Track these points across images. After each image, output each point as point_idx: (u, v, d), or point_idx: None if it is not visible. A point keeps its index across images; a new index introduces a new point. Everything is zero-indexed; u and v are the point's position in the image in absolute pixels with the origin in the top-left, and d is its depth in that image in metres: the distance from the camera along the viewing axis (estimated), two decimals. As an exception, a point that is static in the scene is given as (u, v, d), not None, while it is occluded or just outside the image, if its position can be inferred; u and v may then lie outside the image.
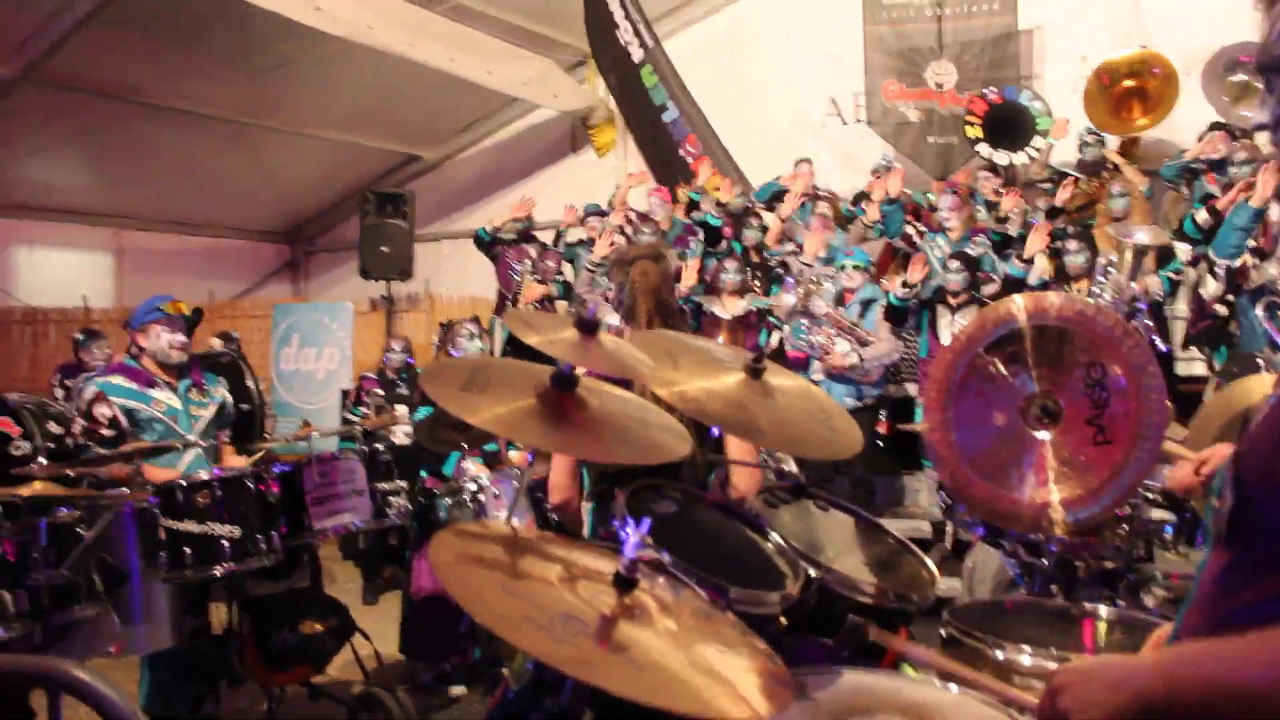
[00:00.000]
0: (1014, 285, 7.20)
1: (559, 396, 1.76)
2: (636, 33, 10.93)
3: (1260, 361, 5.81)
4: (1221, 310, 6.76)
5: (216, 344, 8.01)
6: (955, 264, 7.32)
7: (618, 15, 10.80)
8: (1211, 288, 6.97)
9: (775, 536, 2.16)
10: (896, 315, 7.41)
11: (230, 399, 5.52)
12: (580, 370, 1.79)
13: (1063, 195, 7.99)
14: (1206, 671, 1.17)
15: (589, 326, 1.83)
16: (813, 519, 2.49)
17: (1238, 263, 6.27)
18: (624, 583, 1.35)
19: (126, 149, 11.15)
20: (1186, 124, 8.66)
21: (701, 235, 8.98)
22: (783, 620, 1.97)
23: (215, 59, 10.09)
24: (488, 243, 9.61)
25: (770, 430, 2.08)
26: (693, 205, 9.24)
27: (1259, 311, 6.12)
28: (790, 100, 11.09)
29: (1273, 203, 7.14)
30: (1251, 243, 6.50)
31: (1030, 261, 7.30)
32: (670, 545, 1.75)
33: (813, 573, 2.09)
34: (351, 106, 11.66)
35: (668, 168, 11.06)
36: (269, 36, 9.43)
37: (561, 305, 9.18)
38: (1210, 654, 1.21)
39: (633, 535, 1.36)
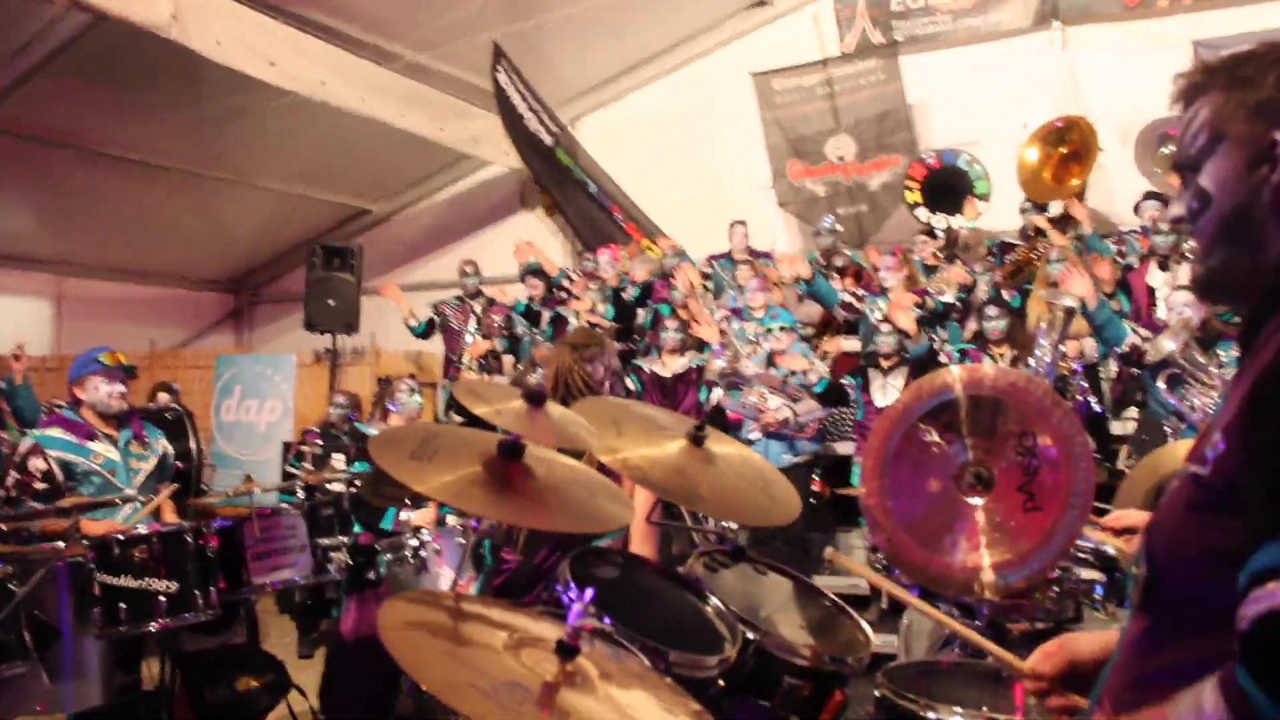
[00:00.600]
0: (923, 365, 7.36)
1: (506, 465, 1.80)
2: (542, 122, 11.23)
3: (1168, 429, 5.99)
4: (1135, 371, 6.97)
5: (164, 398, 7.95)
6: (887, 326, 7.46)
7: (521, 108, 11.03)
8: (1110, 368, 7.33)
9: (714, 600, 2.21)
10: (832, 395, 7.54)
11: (171, 451, 5.49)
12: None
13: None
14: None
15: (536, 398, 1.88)
16: (751, 582, 2.54)
17: (1125, 347, 6.50)
18: (566, 650, 1.40)
19: (72, 196, 11.06)
20: (1123, 194, 8.95)
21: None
22: (721, 682, 2.02)
23: (165, 109, 10.07)
24: (423, 331, 9.77)
25: (711, 497, 2.14)
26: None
27: (1160, 384, 6.31)
28: (727, 171, 11.29)
29: (1161, 281, 7.47)
30: (1132, 326, 6.73)
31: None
32: (612, 609, 1.79)
33: (750, 636, 2.14)
34: (302, 159, 11.66)
35: (600, 232, 11.32)
36: (221, 89, 9.42)
37: (508, 360, 9.25)
38: None
39: (576, 604, 1.40)
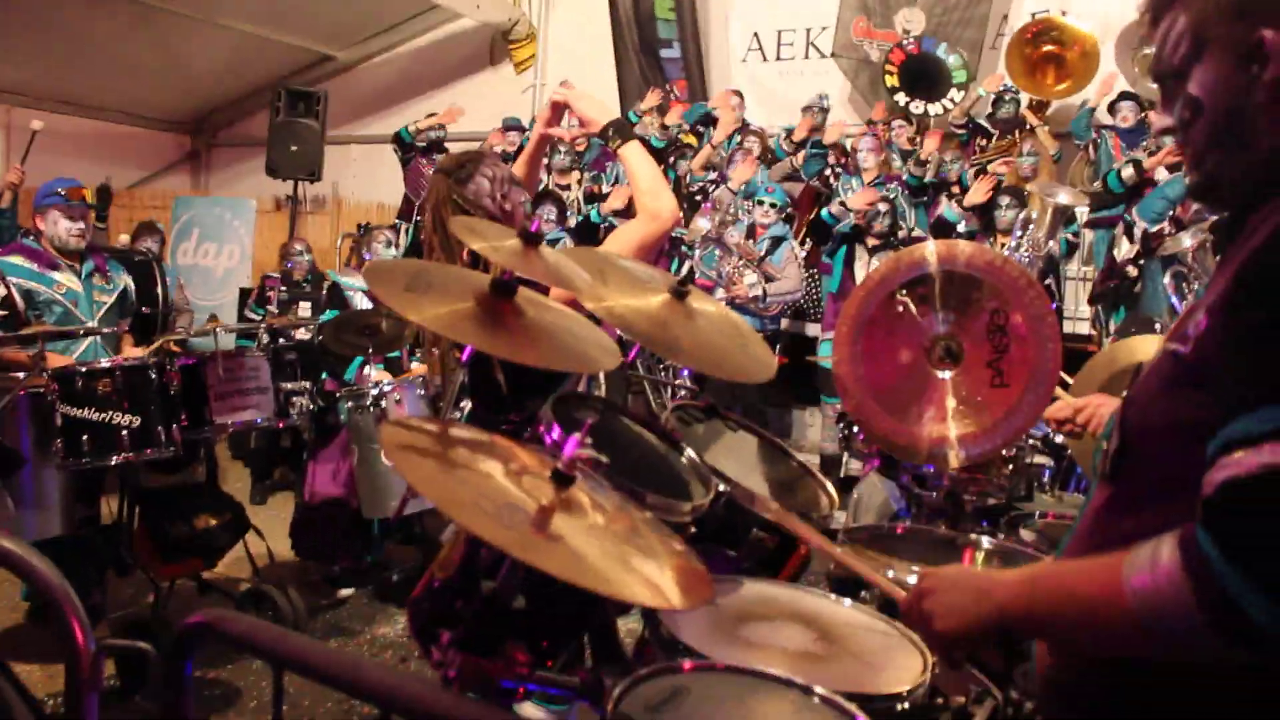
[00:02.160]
0: (944, 228, 7.41)
1: (497, 303, 1.82)
2: None
3: (1158, 325, 6.10)
4: (1132, 272, 7.04)
5: (124, 239, 7.79)
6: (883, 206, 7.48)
7: None
8: (1125, 249, 7.27)
9: (689, 452, 2.26)
10: (821, 231, 7.55)
11: (132, 286, 5.44)
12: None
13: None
14: (1060, 582, 1.30)
15: (532, 238, 1.89)
16: (722, 438, 2.60)
17: (1156, 228, 6.54)
18: (561, 478, 1.44)
19: (21, 22, 10.65)
20: (1094, 88, 8.93)
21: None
22: (692, 529, 2.08)
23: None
24: (407, 144, 9.54)
25: (691, 350, 2.16)
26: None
27: (1166, 279, 6.40)
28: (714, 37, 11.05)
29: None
30: (1172, 212, 6.78)
31: (969, 209, 7.51)
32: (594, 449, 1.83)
33: (721, 487, 2.20)
34: (267, -2, 11.31)
35: (639, 94, 10.93)
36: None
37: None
38: (1068, 569, 1.36)
39: (575, 435, 1.44)
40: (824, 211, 7.58)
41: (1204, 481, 1.12)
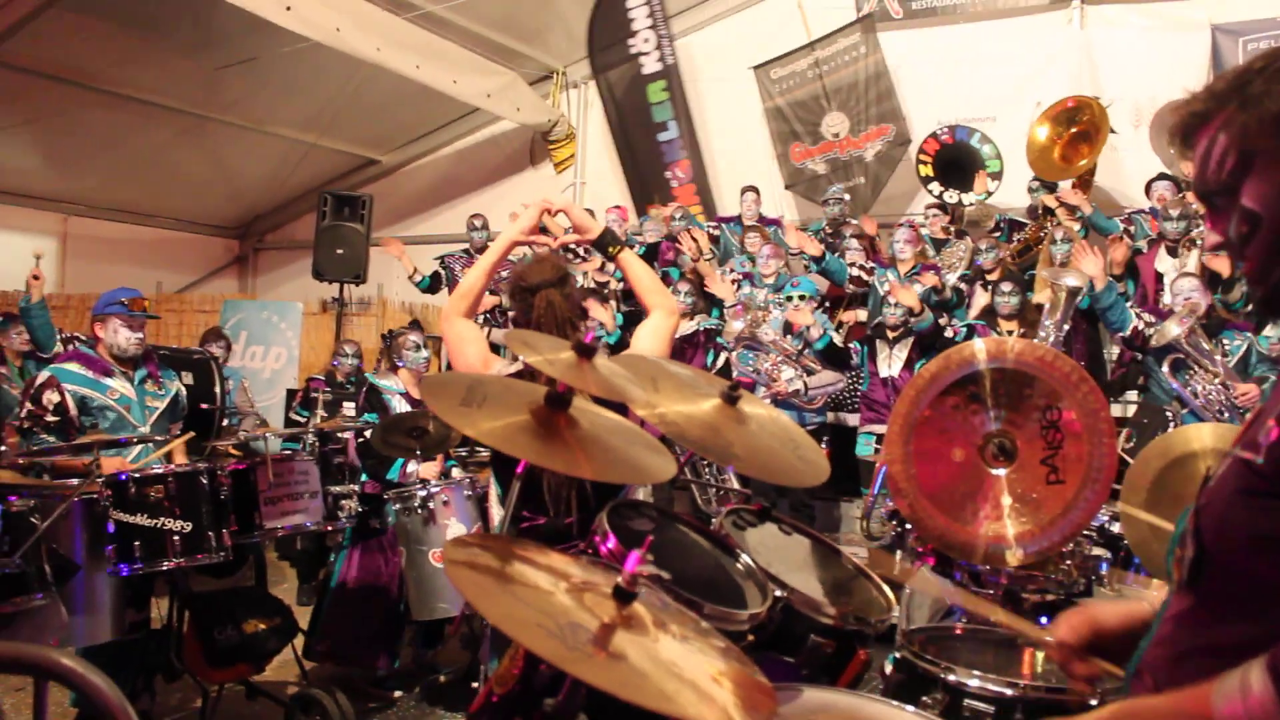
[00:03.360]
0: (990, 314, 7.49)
1: (552, 414, 1.83)
2: (659, 45, 11.13)
3: (1169, 413, 6.05)
4: (1138, 355, 7.01)
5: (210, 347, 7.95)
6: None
7: (639, 23, 10.95)
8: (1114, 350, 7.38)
9: (745, 558, 2.25)
10: (834, 355, 7.55)
11: (184, 391, 5.52)
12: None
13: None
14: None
15: (586, 350, 1.91)
16: (776, 541, 2.58)
17: (1128, 332, 6.56)
18: (624, 595, 1.43)
19: (80, 135, 11.00)
20: (1134, 175, 8.94)
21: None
22: (750, 637, 2.06)
23: (177, 50, 10.02)
24: (430, 283, 9.76)
25: (745, 456, 2.16)
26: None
27: (1164, 369, 6.38)
28: (747, 131, 11.24)
29: (1169, 266, 7.49)
30: (1137, 311, 6.77)
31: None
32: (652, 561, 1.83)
33: (779, 593, 2.18)
34: (313, 107, 11.62)
35: (644, 186, 11.29)
36: (235, 32, 9.38)
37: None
38: (1156, 704, 1.32)
39: (635, 551, 1.44)
40: (827, 336, 7.58)
41: None
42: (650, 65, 11.20)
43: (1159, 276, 7.72)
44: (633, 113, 11.40)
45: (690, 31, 11.60)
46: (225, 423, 7.14)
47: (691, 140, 11.30)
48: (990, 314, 7.50)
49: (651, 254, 9.26)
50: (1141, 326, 6.55)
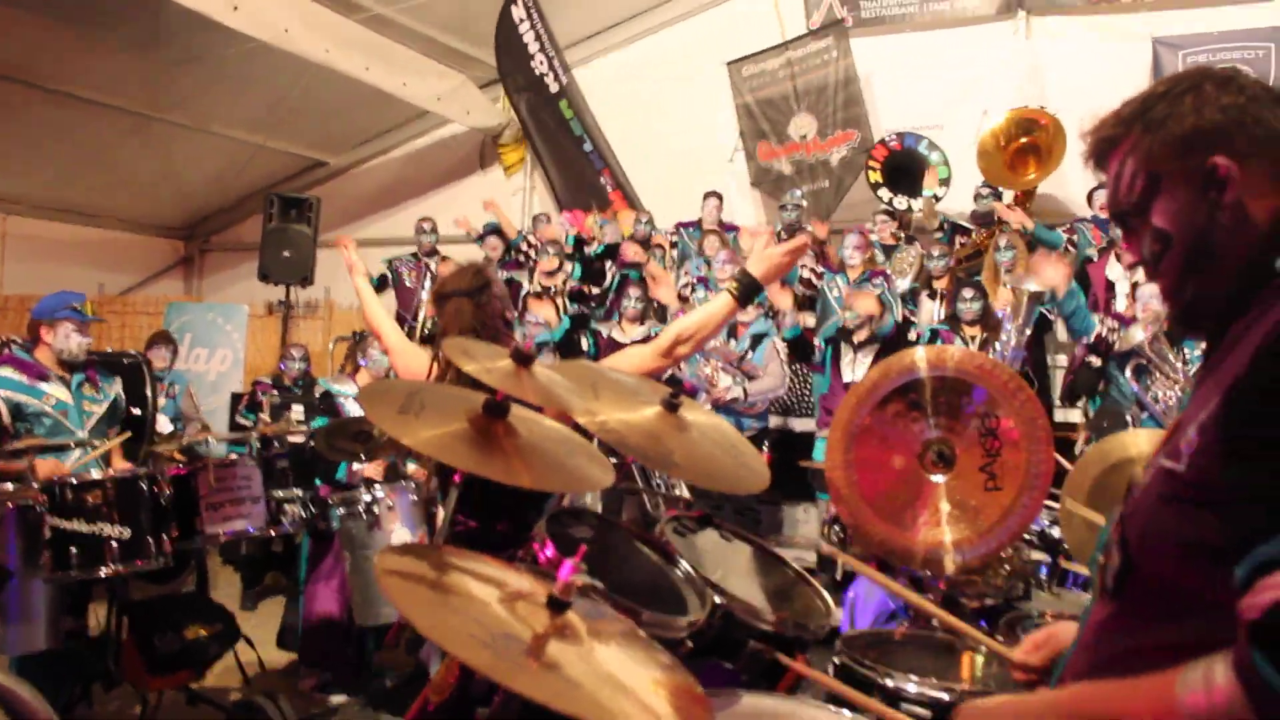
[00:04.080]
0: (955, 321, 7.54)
1: (490, 423, 1.83)
2: (552, 67, 11.24)
3: (1129, 418, 6.14)
4: (1095, 362, 7.10)
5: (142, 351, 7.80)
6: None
7: (533, 48, 11.07)
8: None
9: (684, 565, 2.25)
10: (800, 349, 7.59)
11: (123, 395, 5.44)
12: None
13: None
14: (1106, 706, 1.30)
15: (524, 358, 1.91)
16: (717, 548, 2.59)
17: (1091, 338, 6.66)
18: (557, 605, 1.43)
19: (21, 133, 10.76)
20: (1076, 184, 9.08)
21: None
22: (689, 644, 2.06)
23: (123, 48, 9.85)
24: (377, 284, 9.70)
25: (685, 463, 2.17)
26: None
27: (1127, 373, 6.47)
28: (700, 134, 11.28)
29: (1119, 274, 7.62)
30: (1100, 317, 6.88)
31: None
32: (588, 569, 1.83)
33: (718, 600, 2.19)
34: (260, 107, 11.48)
35: (580, 193, 11.32)
36: (181, 30, 9.24)
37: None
38: (1111, 690, 1.34)
39: (569, 561, 1.44)
40: (831, 327, 7.60)
41: (1246, 605, 1.12)
42: (552, 85, 11.32)
43: (1110, 284, 7.84)
44: (555, 126, 11.49)
45: (661, 28, 11.69)
46: (171, 429, 7.05)
47: (608, 152, 11.43)
48: (955, 319, 7.55)
49: (610, 253, 9.28)
50: (1104, 332, 6.64)
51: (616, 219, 10.09)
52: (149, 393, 6.04)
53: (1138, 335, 6.34)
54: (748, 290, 2.71)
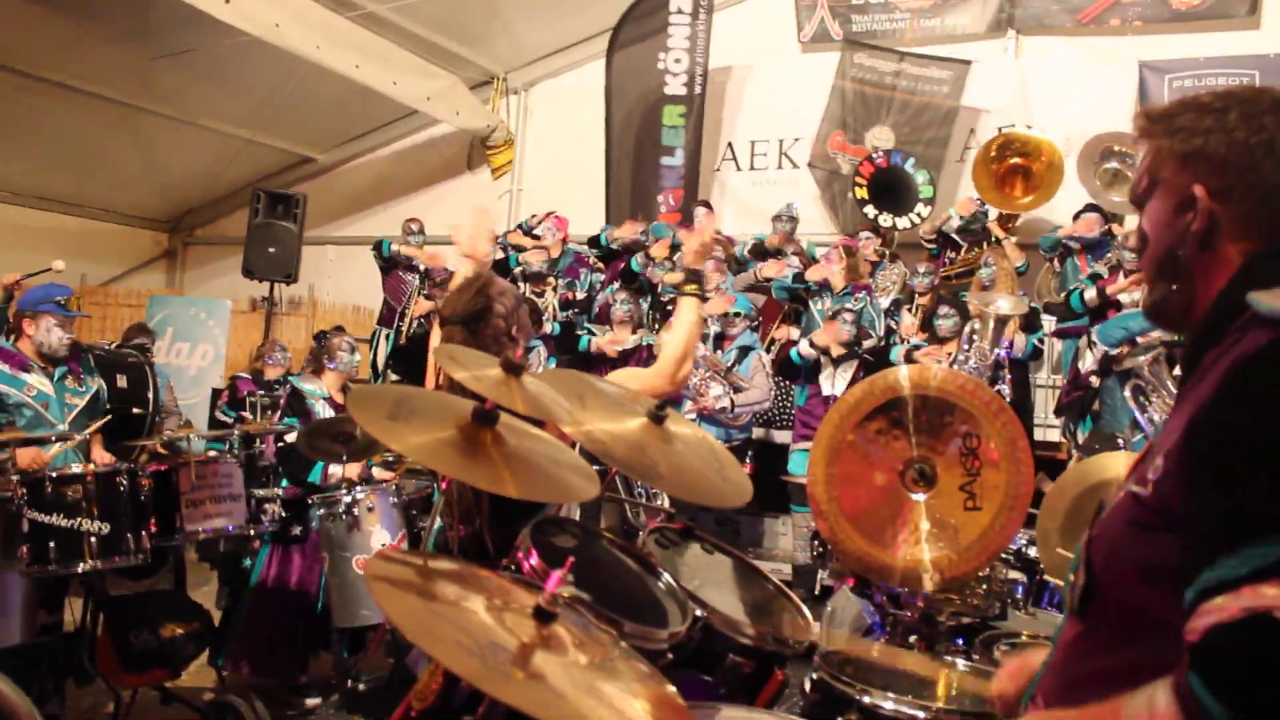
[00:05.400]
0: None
1: (479, 431, 1.84)
2: (689, 70, 10.85)
3: (1120, 440, 6.17)
4: (1095, 382, 7.13)
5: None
6: (849, 316, 7.55)
7: (676, 39, 10.73)
8: (1089, 361, 7.39)
9: (666, 577, 2.27)
10: (791, 369, 7.62)
11: (104, 389, 5.41)
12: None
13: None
14: None
15: (514, 368, 1.92)
16: (699, 560, 2.61)
17: (1115, 351, 6.67)
18: (544, 615, 1.45)
19: (5, 119, 10.73)
20: (1062, 203, 9.13)
21: (591, 264, 9.19)
22: (669, 655, 2.08)
23: (112, 39, 9.84)
24: (387, 257, 9.66)
25: (669, 475, 2.19)
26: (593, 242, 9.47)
27: (1126, 392, 6.49)
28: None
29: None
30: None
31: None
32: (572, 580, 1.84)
33: (699, 612, 2.20)
34: (249, 102, 11.47)
35: (631, 199, 11.10)
36: (172, 23, 9.24)
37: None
38: (1062, 718, 1.37)
39: (556, 573, 1.45)
40: (794, 353, 7.64)
41: (1189, 628, 1.14)
42: (674, 88, 10.89)
43: (1117, 303, 7.87)
44: (645, 126, 11.07)
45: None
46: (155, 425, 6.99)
47: (693, 173, 11.04)
48: (933, 336, 7.59)
49: (609, 257, 9.30)
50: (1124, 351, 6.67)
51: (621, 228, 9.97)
52: (151, 395, 6.01)
53: (1140, 356, 6.36)
54: (695, 281, 2.82)
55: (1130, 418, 6.41)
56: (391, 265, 9.76)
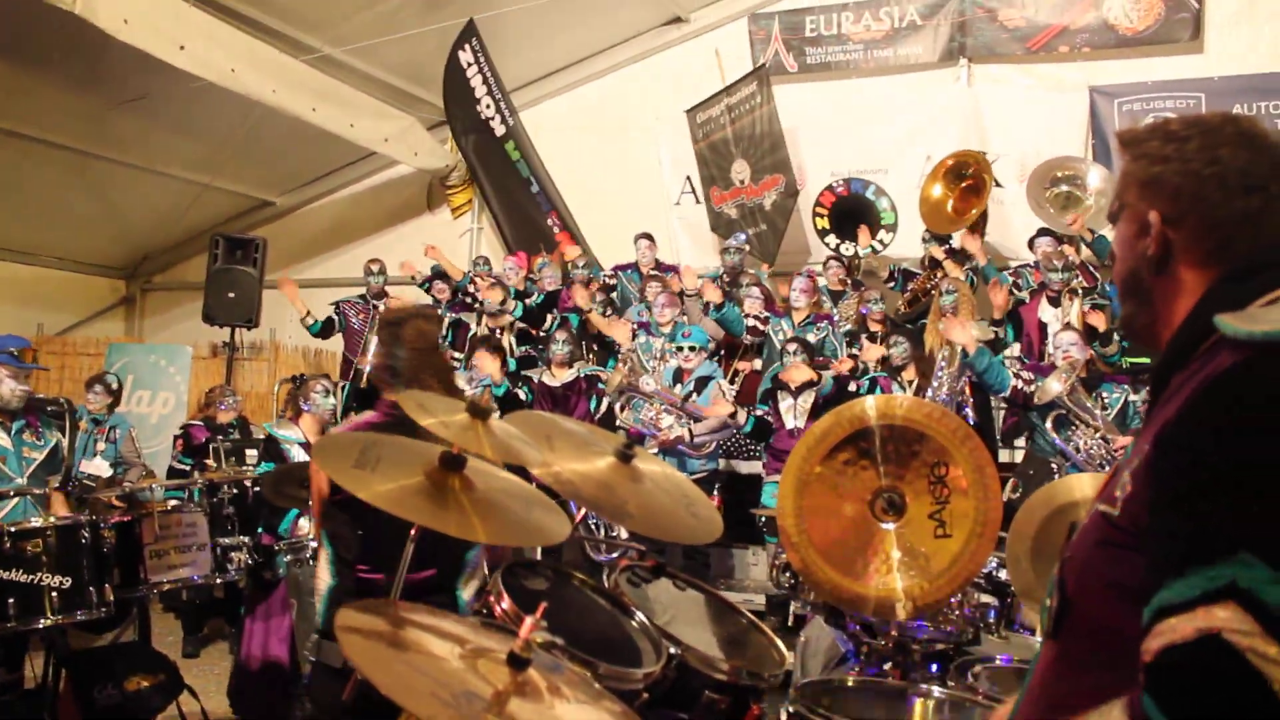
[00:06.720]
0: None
1: (447, 476, 1.83)
2: (499, 109, 11.26)
3: (1054, 465, 6.23)
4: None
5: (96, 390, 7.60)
6: (793, 346, 7.59)
7: (479, 91, 11.10)
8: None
9: (639, 616, 2.26)
10: (760, 430, 7.64)
11: (64, 442, 5.34)
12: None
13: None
14: None
15: (480, 411, 1.91)
16: (671, 597, 2.60)
17: (1008, 392, 6.76)
18: (518, 661, 1.43)
19: (-49, 169, 10.61)
20: (1019, 228, 9.26)
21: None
22: (645, 695, 2.07)
23: (66, 87, 9.74)
24: (322, 328, 9.63)
25: (638, 514, 2.18)
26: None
27: (1048, 424, 6.55)
28: (645, 178, 11.36)
29: (1051, 316, 7.77)
30: (1015, 370, 6.96)
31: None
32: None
33: (673, 650, 2.20)
34: (206, 147, 11.39)
35: (527, 235, 11.33)
36: (127, 69, 9.16)
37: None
38: None
39: (530, 619, 1.44)
40: (751, 420, 7.67)
41: (1144, 648, 1.15)
42: (499, 128, 11.34)
43: (1043, 326, 7.96)
44: (502, 167, 11.50)
45: (608, 71, 11.82)
46: (111, 474, 6.86)
47: (554, 194, 11.44)
48: (889, 365, 7.64)
49: (551, 301, 9.28)
50: (1020, 385, 6.72)
51: (555, 262, 10.09)
52: (65, 440, 5.86)
53: (1054, 387, 6.38)
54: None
55: (1057, 447, 6.48)
56: (329, 331, 9.74)
